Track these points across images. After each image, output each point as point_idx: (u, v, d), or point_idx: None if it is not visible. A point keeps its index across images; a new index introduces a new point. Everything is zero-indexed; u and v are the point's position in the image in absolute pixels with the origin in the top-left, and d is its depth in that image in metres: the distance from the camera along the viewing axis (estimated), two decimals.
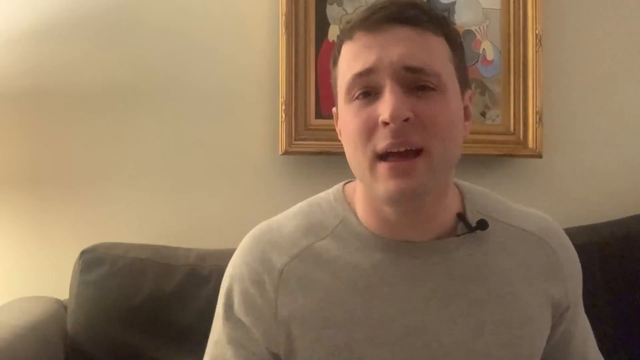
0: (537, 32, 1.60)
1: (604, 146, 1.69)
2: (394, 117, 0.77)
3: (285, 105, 1.51)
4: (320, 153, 1.51)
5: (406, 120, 0.77)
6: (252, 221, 0.94)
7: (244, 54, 1.55)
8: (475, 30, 1.61)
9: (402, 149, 0.78)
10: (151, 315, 1.28)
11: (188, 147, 1.53)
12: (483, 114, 1.61)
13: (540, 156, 1.61)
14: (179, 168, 1.53)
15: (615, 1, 1.70)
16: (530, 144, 1.61)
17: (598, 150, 1.69)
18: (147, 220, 1.51)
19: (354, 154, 0.82)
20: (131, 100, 1.52)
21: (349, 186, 0.92)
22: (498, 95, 1.62)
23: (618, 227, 1.52)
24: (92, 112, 1.50)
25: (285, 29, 1.51)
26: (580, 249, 0.96)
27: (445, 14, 1.56)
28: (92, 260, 1.31)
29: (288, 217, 0.91)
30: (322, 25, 1.54)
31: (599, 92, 1.69)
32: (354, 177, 0.88)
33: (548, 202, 0.95)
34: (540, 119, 1.60)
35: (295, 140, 1.52)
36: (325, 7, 1.54)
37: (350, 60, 0.82)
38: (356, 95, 0.81)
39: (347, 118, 0.83)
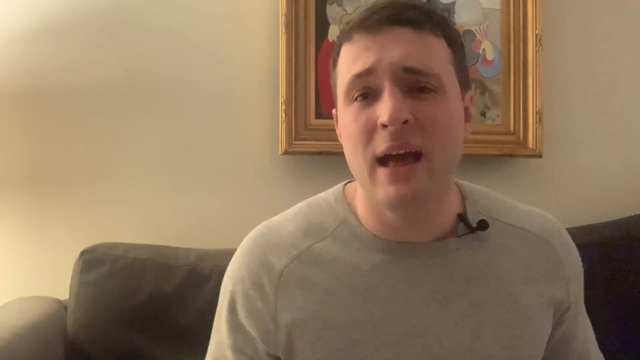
0: (537, 32, 1.60)
1: (604, 146, 1.69)
2: (392, 119, 0.76)
3: (285, 105, 1.51)
4: (320, 153, 1.51)
5: (405, 122, 0.77)
6: (252, 221, 0.94)
7: (244, 54, 1.55)
8: (475, 30, 1.61)
9: (401, 152, 0.77)
10: (151, 315, 1.28)
11: (188, 147, 1.53)
12: (483, 114, 1.61)
13: (540, 156, 1.61)
14: (179, 168, 1.53)
15: (615, 1, 1.70)
16: (530, 144, 1.61)
17: (598, 150, 1.69)
18: (147, 220, 1.51)
19: (354, 158, 0.82)
20: (131, 100, 1.52)
21: (350, 186, 0.92)
22: (498, 95, 1.62)
23: (618, 227, 1.52)
24: (92, 112, 1.50)
25: (285, 29, 1.51)
26: (580, 249, 0.96)
27: (445, 14, 1.56)
28: (92, 260, 1.31)
29: (288, 218, 0.91)
30: (322, 25, 1.54)
31: (599, 92, 1.69)
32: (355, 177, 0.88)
33: (548, 202, 0.95)
34: (540, 119, 1.60)
35: (295, 140, 1.52)
36: (325, 7, 1.54)
37: (349, 62, 0.81)
38: (355, 96, 0.80)
39: (346, 120, 0.82)
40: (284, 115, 1.51)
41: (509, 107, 1.62)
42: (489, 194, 0.94)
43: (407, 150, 0.78)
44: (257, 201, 1.53)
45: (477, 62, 1.61)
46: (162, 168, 1.53)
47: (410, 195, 0.78)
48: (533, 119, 1.60)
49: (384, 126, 0.77)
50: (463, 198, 0.90)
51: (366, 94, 0.80)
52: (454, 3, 1.60)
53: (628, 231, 1.50)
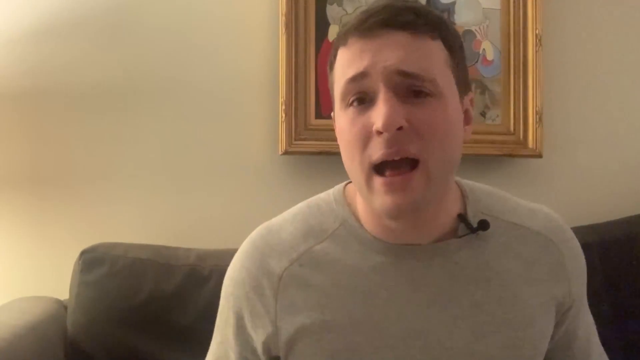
0: (537, 32, 1.60)
1: (604, 146, 1.69)
2: (387, 125, 0.75)
3: (285, 105, 1.51)
4: (320, 153, 1.51)
5: (400, 128, 0.76)
6: (252, 221, 0.94)
7: (244, 54, 1.55)
8: (475, 30, 1.61)
9: (397, 158, 0.76)
10: (151, 315, 1.28)
11: (188, 147, 1.53)
12: (483, 114, 1.61)
13: (540, 156, 1.61)
14: (179, 168, 1.53)
15: (615, 1, 1.70)
16: (530, 144, 1.61)
17: (598, 150, 1.69)
18: (147, 220, 1.51)
19: (351, 164, 0.81)
20: (131, 100, 1.52)
21: (350, 187, 0.91)
22: (498, 95, 1.62)
23: (618, 227, 1.52)
24: (92, 112, 1.50)
25: (285, 29, 1.51)
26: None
27: (445, 14, 1.57)
28: (92, 260, 1.31)
29: (287, 220, 0.90)
30: (322, 25, 1.54)
31: (598, 92, 1.69)
32: None
33: (548, 202, 0.95)
34: (540, 119, 1.60)
35: (295, 140, 1.52)
36: (325, 7, 1.54)
37: (345, 66, 0.80)
38: (351, 101, 0.80)
39: (343, 125, 0.81)
40: (284, 115, 1.51)
41: (509, 107, 1.62)
42: (491, 192, 0.93)
43: (404, 157, 0.77)
44: (257, 201, 1.53)
45: (477, 62, 1.61)
46: (162, 168, 1.53)
47: (407, 205, 0.77)
48: (533, 119, 1.60)
49: (379, 133, 0.76)
50: (464, 198, 0.89)
51: (362, 98, 0.79)
52: (454, 3, 1.60)
53: (628, 231, 1.50)
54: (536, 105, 1.60)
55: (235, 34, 1.55)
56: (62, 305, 1.34)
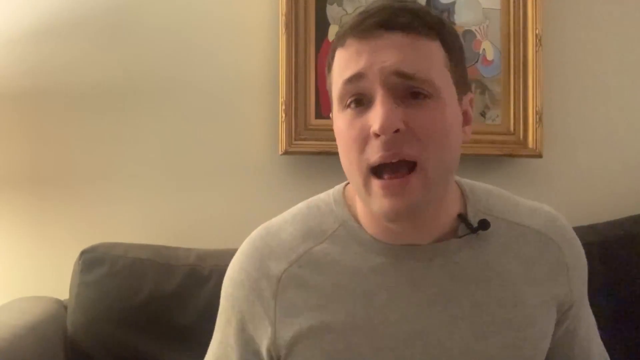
0: (537, 32, 1.60)
1: (604, 146, 1.69)
2: (383, 128, 0.75)
3: (285, 105, 1.51)
4: (320, 153, 1.51)
5: (397, 131, 0.75)
6: (252, 221, 0.94)
7: (244, 54, 1.55)
8: (475, 30, 1.61)
9: (394, 160, 0.76)
10: (151, 315, 1.28)
11: (188, 147, 1.53)
12: (483, 114, 1.61)
13: (540, 156, 1.61)
14: (178, 168, 1.53)
15: (615, 1, 1.70)
16: (530, 144, 1.61)
17: (598, 150, 1.69)
18: (147, 220, 1.51)
19: (349, 167, 0.81)
20: (131, 100, 1.52)
21: (350, 187, 0.90)
22: (498, 95, 1.62)
23: (618, 227, 1.52)
24: (92, 112, 1.50)
25: (285, 29, 1.51)
26: None
27: (445, 14, 1.57)
28: (92, 260, 1.31)
29: (287, 221, 0.90)
30: (322, 25, 1.54)
31: (598, 92, 1.69)
32: None
33: (548, 202, 0.95)
34: (540, 119, 1.60)
35: (295, 140, 1.52)
36: (325, 7, 1.54)
37: (342, 67, 0.80)
38: (348, 103, 0.79)
39: (340, 127, 0.81)
40: (284, 115, 1.51)
41: (509, 107, 1.62)
42: (492, 191, 0.92)
43: (401, 159, 0.76)
44: (257, 201, 1.53)
45: (477, 62, 1.60)
46: (162, 168, 1.53)
47: (405, 208, 0.77)
48: (533, 119, 1.60)
49: (377, 135, 0.76)
50: (464, 197, 0.89)
51: (359, 100, 0.79)
52: (454, 3, 1.60)
53: (628, 231, 1.50)
54: (536, 105, 1.60)
55: (235, 34, 1.55)
56: (62, 305, 1.34)
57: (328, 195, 0.91)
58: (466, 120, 0.85)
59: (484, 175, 1.56)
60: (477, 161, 1.57)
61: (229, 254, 0.93)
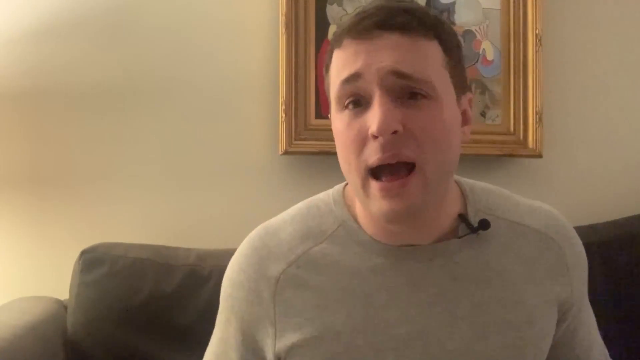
0: (537, 32, 1.60)
1: (604, 146, 1.69)
2: (381, 129, 0.74)
3: (285, 105, 1.51)
4: (320, 153, 1.50)
5: (395, 132, 0.75)
6: (252, 221, 0.94)
7: (244, 54, 1.55)
8: (475, 30, 1.61)
9: (393, 162, 0.76)
10: (151, 315, 1.28)
11: (188, 147, 1.53)
12: (483, 114, 1.61)
13: (540, 156, 1.61)
14: (178, 168, 1.53)
15: (615, 1, 1.70)
16: (530, 144, 1.61)
17: (598, 150, 1.69)
18: (147, 220, 1.51)
19: (348, 168, 0.81)
20: (131, 100, 1.52)
21: (350, 188, 0.90)
22: (498, 95, 1.62)
23: (618, 227, 1.52)
24: (92, 112, 1.50)
25: (285, 29, 1.51)
26: None
27: (445, 14, 1.56)
28: (92, 260, 1.31)
29: (286, 221, 0.90)
30: (322, 25, 1.54)
31: (598, 92, 1.69)
32: None
33: (548, 202, 0.95)
34: (540, 119, 1.60)
35: (295, 140, 1.52)
36: (325, 7, 1.54)
37: (340, 68, 0.79)
38: (346, 104, 0.79)
39: (338, 128, 0.81)
40: (284, 115, 1.51)
41: (509, 107, 1.62)
42: (492, 190, 0.92)
43: (400, 161, 0.76)
44: (257, 201, 1.53)
45: (477, 62, 1.60)
46: (162, 168, 1.53)
47: (403, 210, 0.77)
48: (533, 119, 1.60)
49: (375, 137, 0.76)
50: (464, 197, 0.89)
51: (357, 101, 0.78)
52: (453, 3, 1.60)
53: (628, 231, 1.50)
54: (536, 105, 1.60)
55: (235, 34, 1.55)
56: (62, 305, 1.34)
57: (327, 195, 0.91)
58: (465, 120, 0.84)
59: (484, 175, 1.56)
60: (477, 161, 1.57)
61: (229, 254, 0.93)
